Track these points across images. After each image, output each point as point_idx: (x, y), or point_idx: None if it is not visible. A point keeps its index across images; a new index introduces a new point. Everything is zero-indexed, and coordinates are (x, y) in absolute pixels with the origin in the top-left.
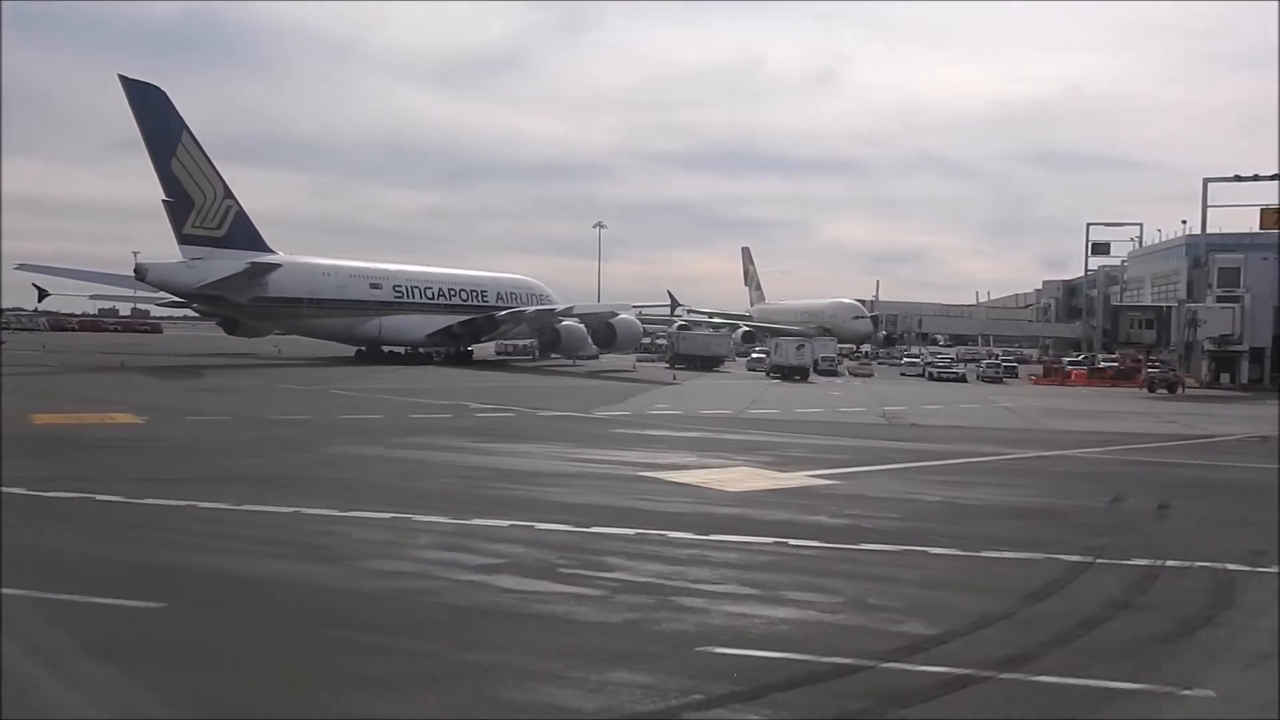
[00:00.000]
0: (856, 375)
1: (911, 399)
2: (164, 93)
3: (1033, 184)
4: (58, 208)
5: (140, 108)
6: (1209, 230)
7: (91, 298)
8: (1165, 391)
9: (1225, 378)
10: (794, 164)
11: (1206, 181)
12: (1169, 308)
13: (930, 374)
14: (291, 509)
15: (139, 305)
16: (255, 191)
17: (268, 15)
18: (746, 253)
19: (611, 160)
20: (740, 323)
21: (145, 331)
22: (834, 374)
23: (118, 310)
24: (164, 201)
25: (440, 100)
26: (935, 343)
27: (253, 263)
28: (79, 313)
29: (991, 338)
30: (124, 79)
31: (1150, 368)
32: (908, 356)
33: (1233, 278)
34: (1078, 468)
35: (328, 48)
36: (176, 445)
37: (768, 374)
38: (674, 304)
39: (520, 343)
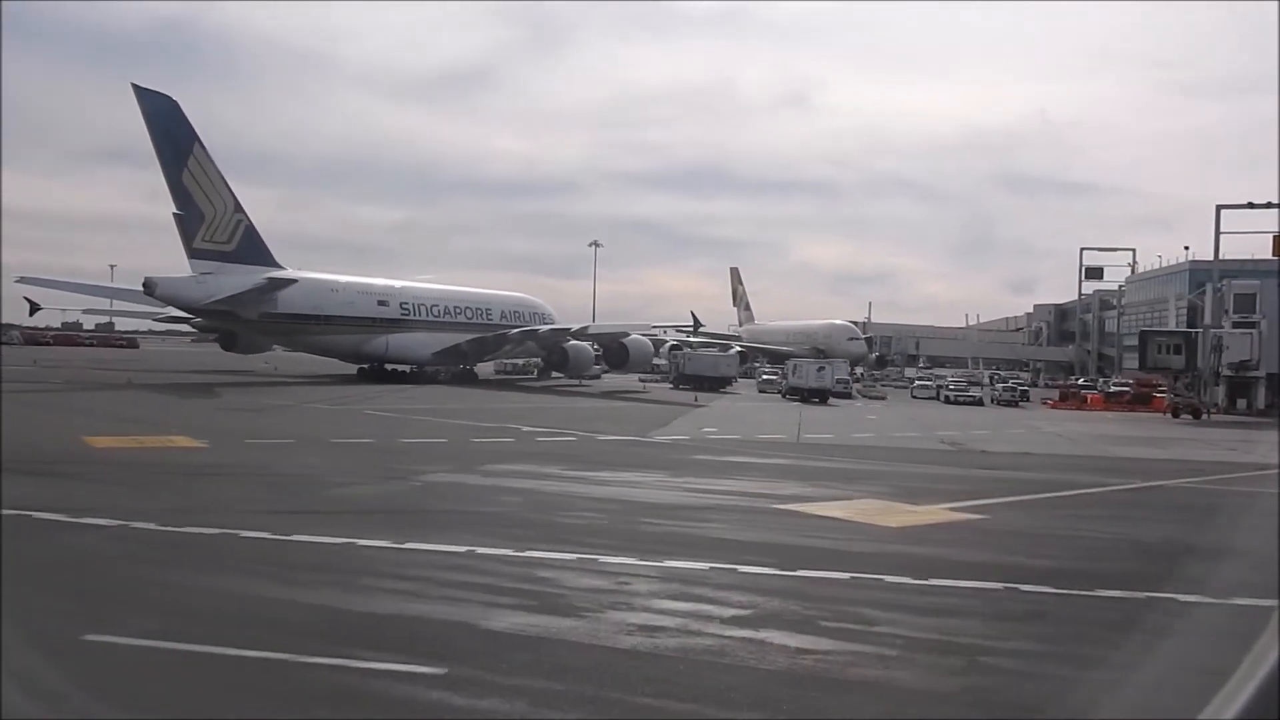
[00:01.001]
0: (870, 398)
1: (954, 424)
2: (176, 102)
3: (998, 208)
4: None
5: (152, 117)
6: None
7: (85, 311)
8: (1190, 417)
9: (1242, 403)
10: (764, 184)
11: (1220, 208)
12: (1197, 333)
13: (947, 397)
14: (464, 548)
15: (115, 318)
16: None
17: (236, 25)
18: (735, 273)
19: (580, 178)
20: (732, 343)
21: (121, 346)
22: (848, 396)
23: (80, 324)
24: (174, 215)
25: (409, 115)
26: (925, 365)
27: (270, 278)
28: (57, 326)
29: (981, 360)
30: (137, 88)
31: (1175, 394)
32: (920, 379)
33: (1248, 304)
34: (1205, 499)
35: (297, 60)
36: (260, 472)
37: (783, 395)
38: (696, 324)
39: (518, 362)
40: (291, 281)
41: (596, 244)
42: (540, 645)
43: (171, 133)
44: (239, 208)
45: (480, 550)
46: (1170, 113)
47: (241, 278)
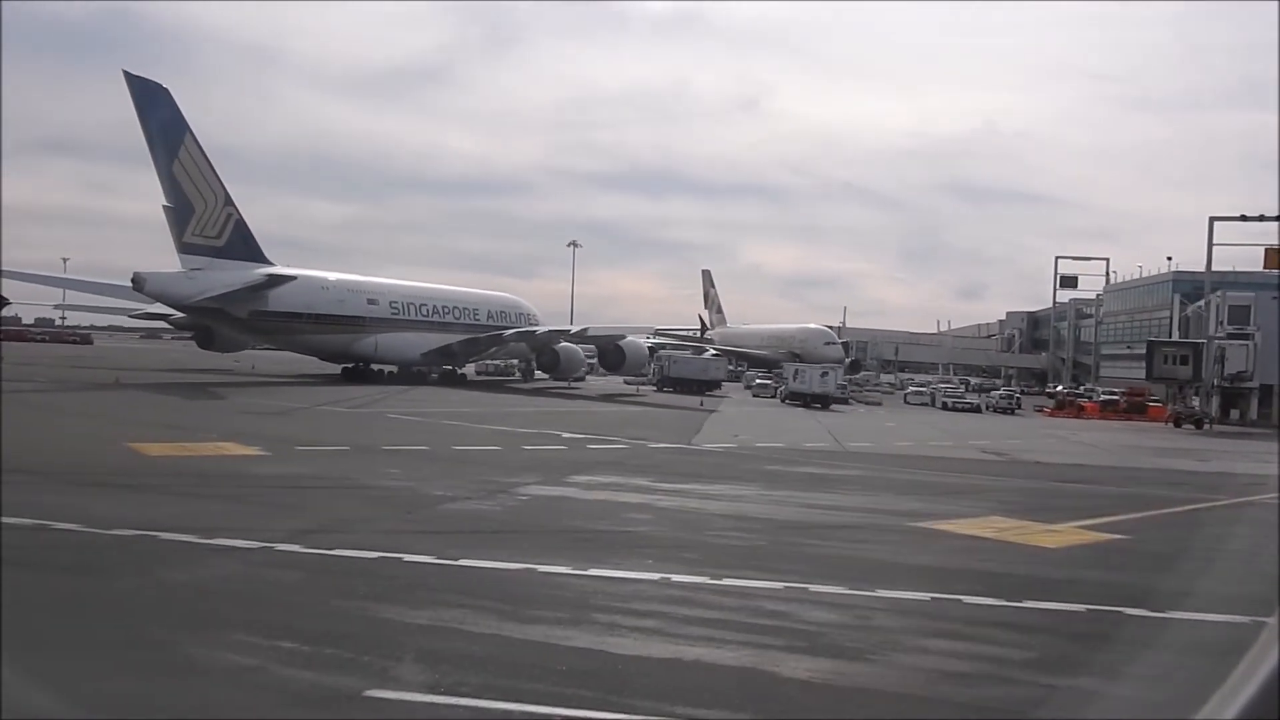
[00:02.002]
0: (866, 404)
1: (978, 433)
2: (168, 92)
3: (947, 215)
4: None
5: (144, 107)
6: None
7: (55, 307)
8: (1192, 427)
9: (1234, 414)
10: (716, 188)
11: (1213, 220)
12: (1203, 344)
13: (944, 404)
14: (654, 575)
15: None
16: (158, 198)
17: (185, 18)
18: (707, 275)
19: (533, 178)
20: (705, 346)
21: (74, 342)
22: (844, 401)
23: (19, 318)
24: (165, 207)
25: (360, 112)
26: (896, 371)
27: (271, 274)
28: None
29: (952, 366)
30: (129, 75)
31: (1179, 404)
32: (913, 385)
33: (1243, 315)
34: None
35: (245, 54)
36: (350, 485)
37: (782, 400)
38: (703, 327)
39: (499, 362)
40: (291, 278)
41: (575, 244)
42: (860, 696)
43: (163, 122)
44: (229, 201)
45: (675, 578)
46: (1113, 127)
47: (232, 273)
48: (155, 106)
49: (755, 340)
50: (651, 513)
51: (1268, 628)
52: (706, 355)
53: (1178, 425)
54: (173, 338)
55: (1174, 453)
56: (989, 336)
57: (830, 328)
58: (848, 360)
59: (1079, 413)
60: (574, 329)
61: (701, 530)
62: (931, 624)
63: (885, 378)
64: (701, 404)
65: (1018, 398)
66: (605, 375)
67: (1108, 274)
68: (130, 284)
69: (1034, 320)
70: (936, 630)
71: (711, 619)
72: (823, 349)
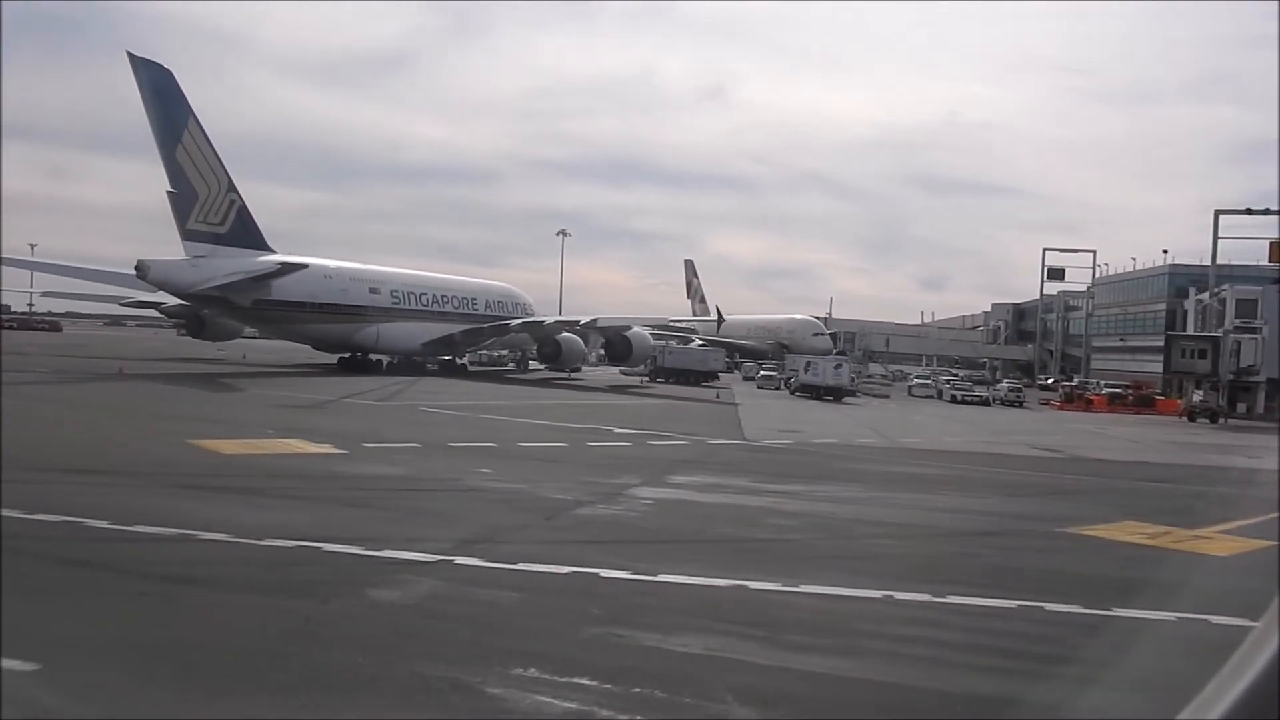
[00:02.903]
0: (874, 396)
1: (1006, 428)
2: (171, 74)
3: (911, 206)
4: None
5: (147, 89)
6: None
7: (44, 294)
8: (1207, 421)
9: (1241, 407)
10: (683, 178)
11: (1218, 214)
12: (1221, 337)
13: (953, 396)
14: (876, 592)
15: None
16: (126, 186)
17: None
18: (690, 265)
19: (498, 166)
20: (691, 336)
21: (44, 330)
22: (852, 394)
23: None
24: (168, 193)
25: (324, 99)
26: (885, 362)
27: (284, 262)
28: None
29: (935, 358)
30: (132, 56)
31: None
32: (918, 377)
33: (1250, 309)
34: None
35: (208, 39)
36: (456, 487)
37: (792, 392)
38: (720, 319)
39: (493, 353)
40: (302, 266)
41: (564, 233)
42: None
43: (167, 106)
44: (232, 187)
45: (898, 595)
46: (1076, 119)
47: (236, 261)
48: (159, 90)
49: (742, 331)
50: (788, 518)
51: (1256, 628)
52: (693, 345)
53: (1192, 419)
54: (137, 325)
55: (1213, 449)
56: (973, 328)
57: (817, 318)
58: (835, 351)
59: (1087, 406)
60: (584, 320)
61: (852, 537)
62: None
63: (875, 369)
64: (717, 396)
65: (1023, 391)
66: (595, 366)
67: (1094, 267)
68: (134, 271)
69: (1019, 312)
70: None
71: (988, 646)
72: (811, 340)
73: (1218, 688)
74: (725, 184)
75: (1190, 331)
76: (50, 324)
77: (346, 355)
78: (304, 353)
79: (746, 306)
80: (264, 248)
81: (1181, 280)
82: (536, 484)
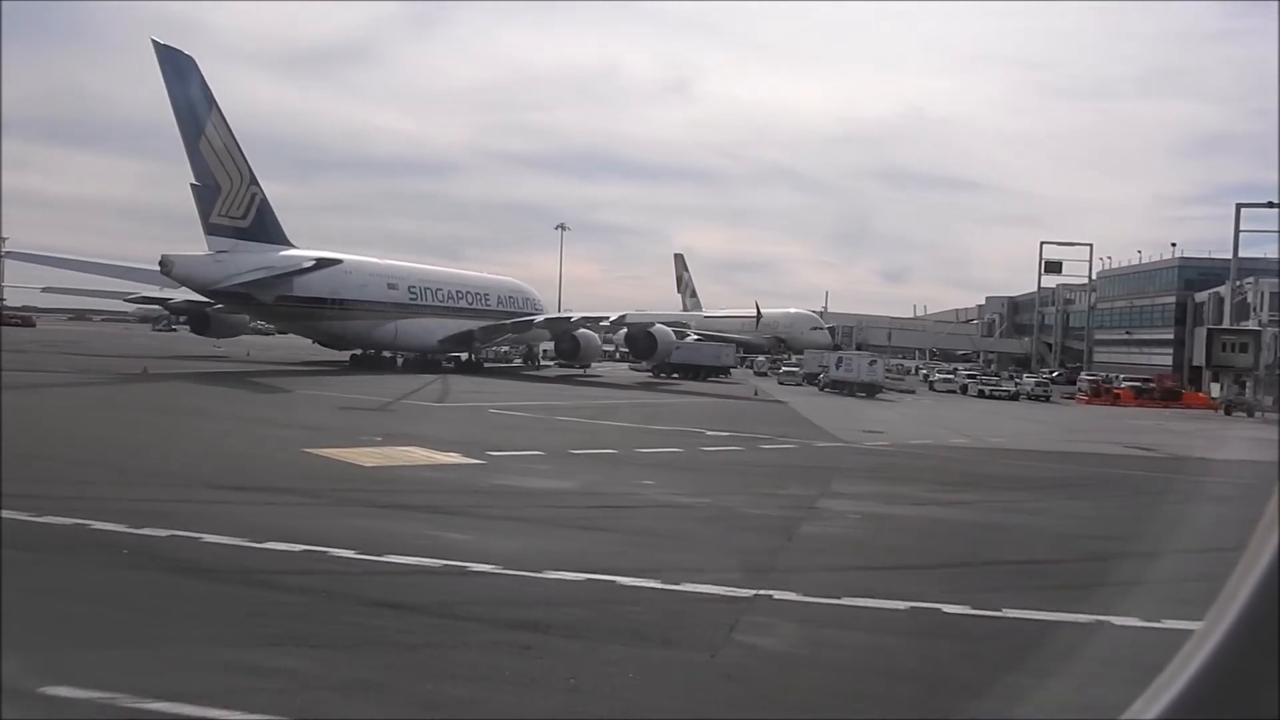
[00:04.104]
0: (900, 392)
1: (1064, 425)
2: (194, 62)
3: (875, 200)
4: None
5: (172, 78)
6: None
7: (44, 290)
8: (1244, 415)
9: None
10: (647, 170)
11: (1239, 207)
12: (1261, 331)
13: (980, 391)
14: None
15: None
16: (77, 177)
17: None
18: (680, 259)
19: (462, 158)
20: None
21: (16, 325)
22: (882, 389)
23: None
24: (192, 186)
25: (283, 89)
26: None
27: (320, 258)
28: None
29: (929, 351)
30: (157, 44)
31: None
32: (940, 372)
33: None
34: None
35: (163, 27)
36: (637, 502)
37: (821, 389)
38: (759, 315)
39: (501, 349)
40: (337, 262)
41: (563, 227)
42: None
43: (190, 96)
44: (254, 180)
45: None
46: (1036, 113)
47: (258, 256)
48: (183, 79)
49: (736, 325)
50: (1022, 534)
51: (1199, 629)
52: (689, 338)
53: (1229, 413)
54: (103, 320)
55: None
56: (968, 321)
57: (814, 312)
58: (833, 346)
59: (1115, 400)
60: (614, 316)
61: (1125, 557)
62: None
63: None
64: (756, 393)
65: (1049, 385)
66: (601, 362)
67: (1091, 260)
68: (158, 267)
69: (1014, 305)
70: None
71: None
72: (809, 334)
73: (1154, 691)
74: (690, 177)
75: (1217, 325)
76: (23, 319)
77: (358, 352)
78: (306, 349)
79: (712, 300)
80: (285, 242)
81: (1191, 273)
82: (717, 497)
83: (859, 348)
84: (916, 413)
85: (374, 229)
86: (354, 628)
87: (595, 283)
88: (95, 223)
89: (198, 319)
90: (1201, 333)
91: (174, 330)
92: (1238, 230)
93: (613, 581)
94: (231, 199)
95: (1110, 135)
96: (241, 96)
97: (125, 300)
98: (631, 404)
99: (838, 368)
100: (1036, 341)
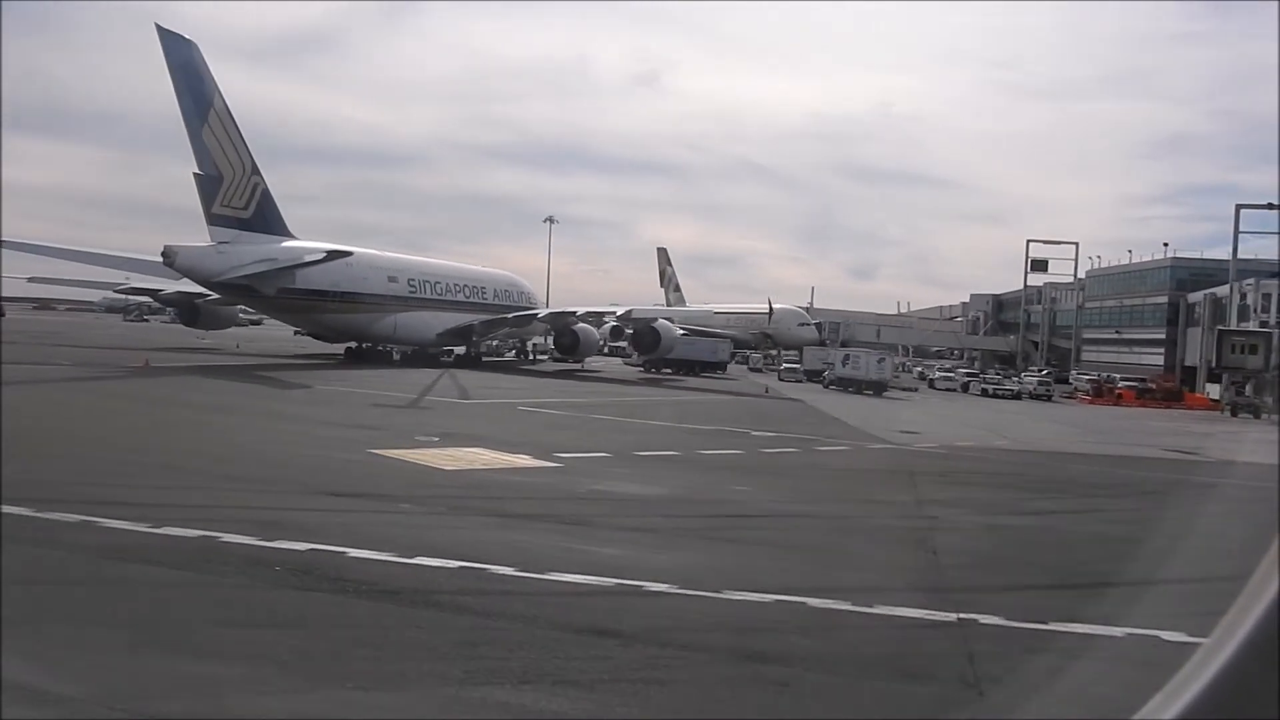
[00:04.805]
0: (902, 389)
1: (1084, 425)
2: (197, 48)
3: (843, 196)
4: None
5: (175, 64)
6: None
7: (30, 280)
8: (1250, 416)
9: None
10: (617, 163)
11: (1239, 208)
12: (1273, 332)
13: (985, 390)
14: None
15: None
16: (37, 165)
17: None
18: (663, 254)
19: (430, 150)
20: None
21: None
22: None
23: None
24: (195, 175)
25: (247, 78)
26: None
27: (332, 250)
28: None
29: (910, 349)
30: (161, 29)
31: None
32: (941, 370)
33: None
34: None
35: (124, 14)
36: (749, 510)
37: (826, 386)
38: (771, 310)
39: (493, 343)
40: (348, 253)
41: (551, 220)
42: None
43: (193, 82)
44: (256, 170)
45: None
46: (1001, 112)
47: (260, 247)
48: (185, 65)
49: (721, 320)
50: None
51: (1219, 626)
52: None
53: (1234, 414)
54: (69, 310)
55: None
56: (951, 319)
57: (801, 308)
58: (820, 341)
59: (1117, 400)
60: (620, 310)
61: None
62: None
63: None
64: (767, 391)
65: (1052, 385)
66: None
67: (1076, 259)
68: (160, 258)
69: (999, 303)
70: None
71: None
72: (797, 330)
73: (1172, 690)
74: (660, 171)
75: (1211, 326)
76: None
77: (353, 345)
78: (290, 341)
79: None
80: (286, 233)
81: (1183, 274)
82: (819, 504)
83: (844, 344)
84: (937, 412)
85: (337, 219)
86: (590, 661)
87: (565, 276)
88: (59, 212)
89: (187, 310)
90: (1195, 333)
91: (145, 321)
92: (1237, 231)
93: (803, 604)
94: (233, 189)
95: (1074, 135)
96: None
97: (115, 291)
98: (652, 402)
99: (844, 365)
100: (1022, 340)
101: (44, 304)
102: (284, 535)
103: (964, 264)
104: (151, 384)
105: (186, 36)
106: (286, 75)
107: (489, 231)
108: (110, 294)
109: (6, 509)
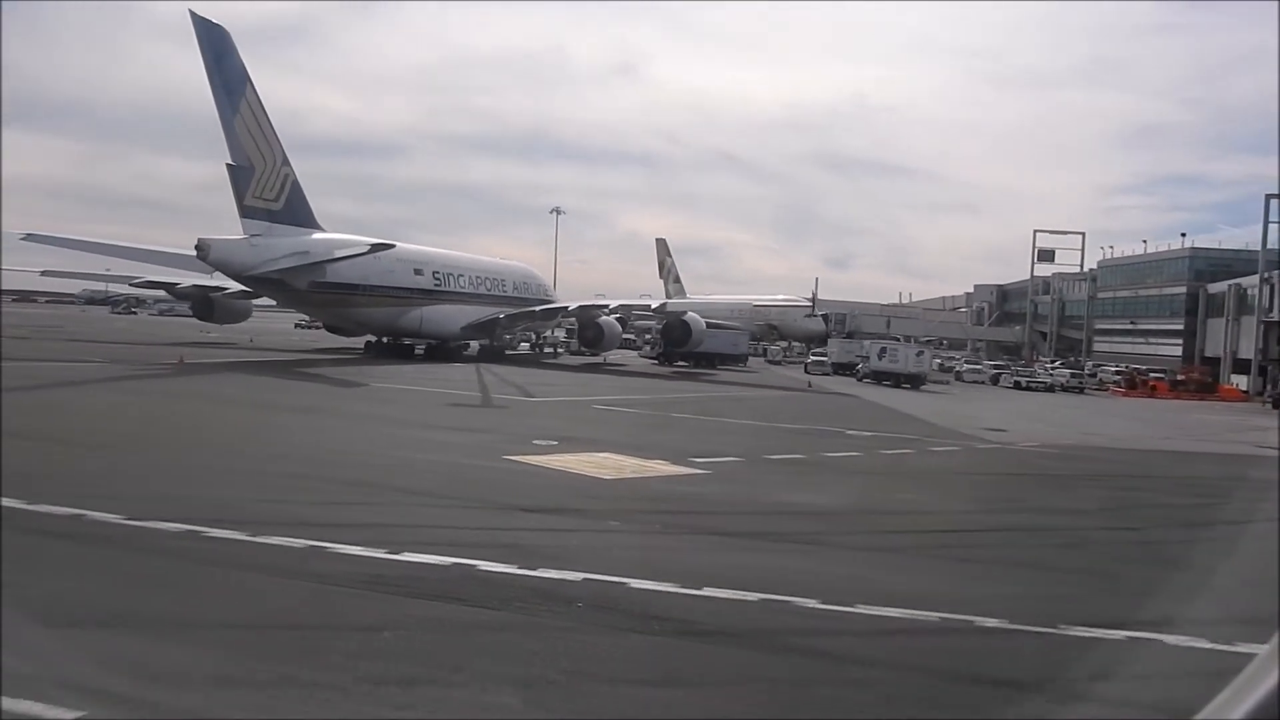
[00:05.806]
0: (935, 383)
1: (1146, 419)
2: (229, 35)
3: (819, 186)
4: None
5: (209, 51)
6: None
7: (42, 274)
8: None
9: None
10: (592, 154)
11: (1268, 198)
12: None
13: (1017, 383)
14: None
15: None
16: (7, 157)
17: None
18: (662, 244)
19: (404, 140)
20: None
21: None
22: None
23: None
24: (228, 166)
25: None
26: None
27: (377, 243)
28: None
29: (915, 339)
30: (195, 16)
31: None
32: (968, 363)
33: None
34: None
35: (94, 3)
36: (954, 524)
37: (860, 379)
38: (814, 303)
39: (509, 336)
40: (391, 246)
41: (558, 210)
42: None
43: (226, 70)
44: (286, 160)
45: None
46: (976, 102)
47: (291, 240)
48: (219, 51)
49: (725, 311)
50: None
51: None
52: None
53: (1276, 406)
54: (48, 302)
55: None
56: (955, 309)
57: (806, 299)
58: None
59: (1152, 393)
60: (654, 304)
61: None
62: None
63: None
64: (810, 385)
65: (1084, 377)
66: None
67: (1083, 249)
68: (195, 252)
69: (1003, 293)
70: None
71: None
72: (803, 322)
73: (1235, 690)
74: (635, 161)
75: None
76: None
77: (373, 339)
78: (295, 336)
79: (657, 285)
80: (314, 225)
81: (1201, 264)
82: (1001, 515)
83: (850, 335)
84: (996, 407)
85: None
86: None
87: (544, 266)
88: (30, 204)
89: (201, 303)
90: (1217, 324)
91: (134, 314)
92: (1266, 222)
93: (1158, 640)
94: (265, 180)
95: (1049, 125)
96: (173, 74)
97: (131, 285)
98: (712, 398)
99: (880, 358)
100: (1030, 330)
101: (24, 296)
102: (533, 561)
103: (939, 253)
104: (205, 382)
105: (217, 23)
106: (257, 64)
107: (464, 223)
108: (89, 286)
109: (226, 533)
